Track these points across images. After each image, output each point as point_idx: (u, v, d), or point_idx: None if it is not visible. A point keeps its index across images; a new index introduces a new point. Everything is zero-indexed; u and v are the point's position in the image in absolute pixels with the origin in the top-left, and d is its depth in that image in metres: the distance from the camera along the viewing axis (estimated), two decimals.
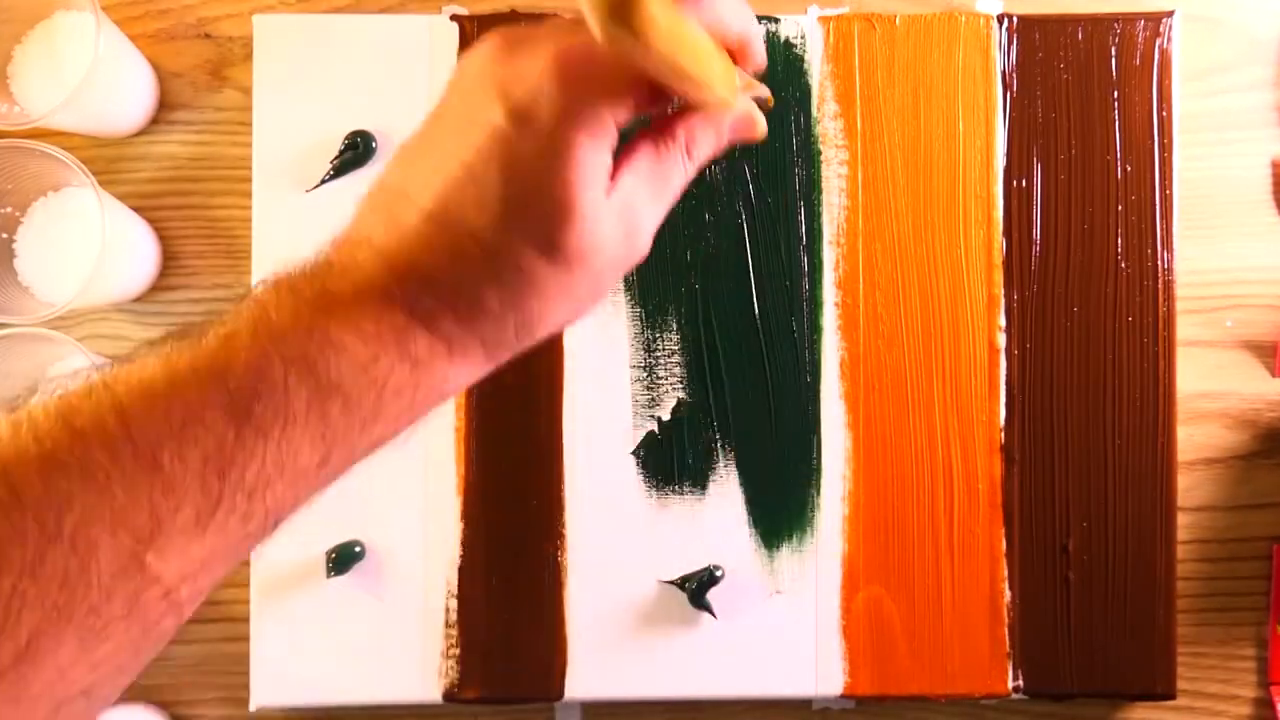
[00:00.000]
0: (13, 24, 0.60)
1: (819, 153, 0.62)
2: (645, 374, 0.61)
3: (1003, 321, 0.61)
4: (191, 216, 0.63)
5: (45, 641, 0.26)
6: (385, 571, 0.60)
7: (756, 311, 0.61)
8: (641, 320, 0.61)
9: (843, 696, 0.61)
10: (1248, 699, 0.63)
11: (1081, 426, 0.61)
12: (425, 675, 0.60)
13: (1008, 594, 0.61)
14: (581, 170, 0.30)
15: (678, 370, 0.61)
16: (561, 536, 0.61)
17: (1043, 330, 0.61)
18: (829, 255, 0.61)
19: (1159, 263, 0.61)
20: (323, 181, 0.61)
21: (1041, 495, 0.61)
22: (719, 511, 0.61)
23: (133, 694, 0.62)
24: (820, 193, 0.62)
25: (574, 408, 0.61)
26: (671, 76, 0.29)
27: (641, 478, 0.61)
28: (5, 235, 0.60)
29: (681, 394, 0.61)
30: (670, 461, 0.61)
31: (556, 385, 0.61)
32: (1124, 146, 0.62)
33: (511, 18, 0.62)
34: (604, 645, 0.60)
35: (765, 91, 0.36)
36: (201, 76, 0.64)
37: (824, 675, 0.60)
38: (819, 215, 0.62)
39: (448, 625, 0.60)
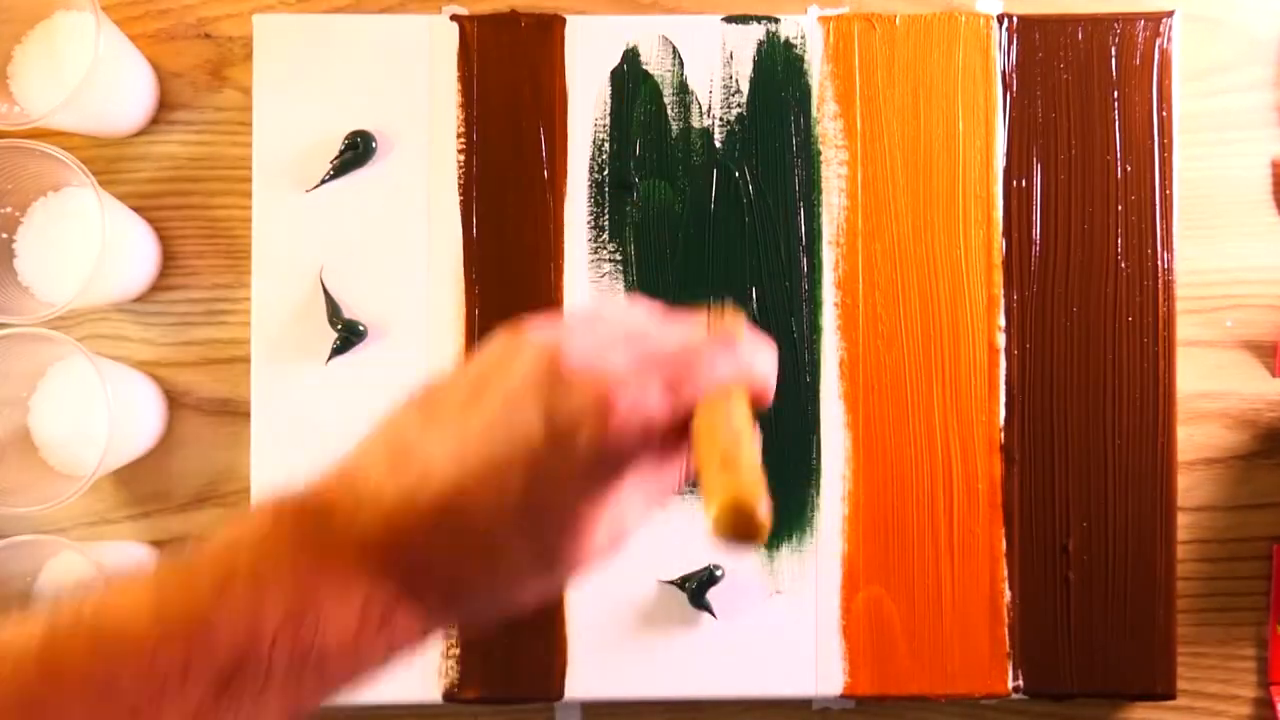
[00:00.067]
0: (13, 24, 0.60)
1: (819, 153, 0.62)
2: None
3: (1002, 321, 0.61)
4: (191, 216, 0.63)
5: None
6: None
7: (756, 311, 0.61)
8: None
9: (843, 696, 0.61)
10: (1248, 699, 0.63)
11: (1081, 426, 0.61)
12: (425, 675, 0.60)
13: (1008, 594, 0.61)
14: (602, 502, 0.31)
15: None
16: None
17: (1042, 330, 0.61)
18: (829, 255, 0.61)
19: (1159, 263, 0.61)
20: (323, 181, 0.61)
21: (1041, 495, 0.61)
22: None
23: None
24: (820, 193, 0.62)
25: None
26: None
27: None
28: (5, 235, 0.60)
29: None
30: None
31: None
32: (1124, 146, 0.62)
33: (511, 18, 0.62)
34: (604, 645, 0.60)
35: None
36: (201, 76, 0.64)
37: (824, 675, 0.60)
38: (819, 215, 0.61)
39: None
